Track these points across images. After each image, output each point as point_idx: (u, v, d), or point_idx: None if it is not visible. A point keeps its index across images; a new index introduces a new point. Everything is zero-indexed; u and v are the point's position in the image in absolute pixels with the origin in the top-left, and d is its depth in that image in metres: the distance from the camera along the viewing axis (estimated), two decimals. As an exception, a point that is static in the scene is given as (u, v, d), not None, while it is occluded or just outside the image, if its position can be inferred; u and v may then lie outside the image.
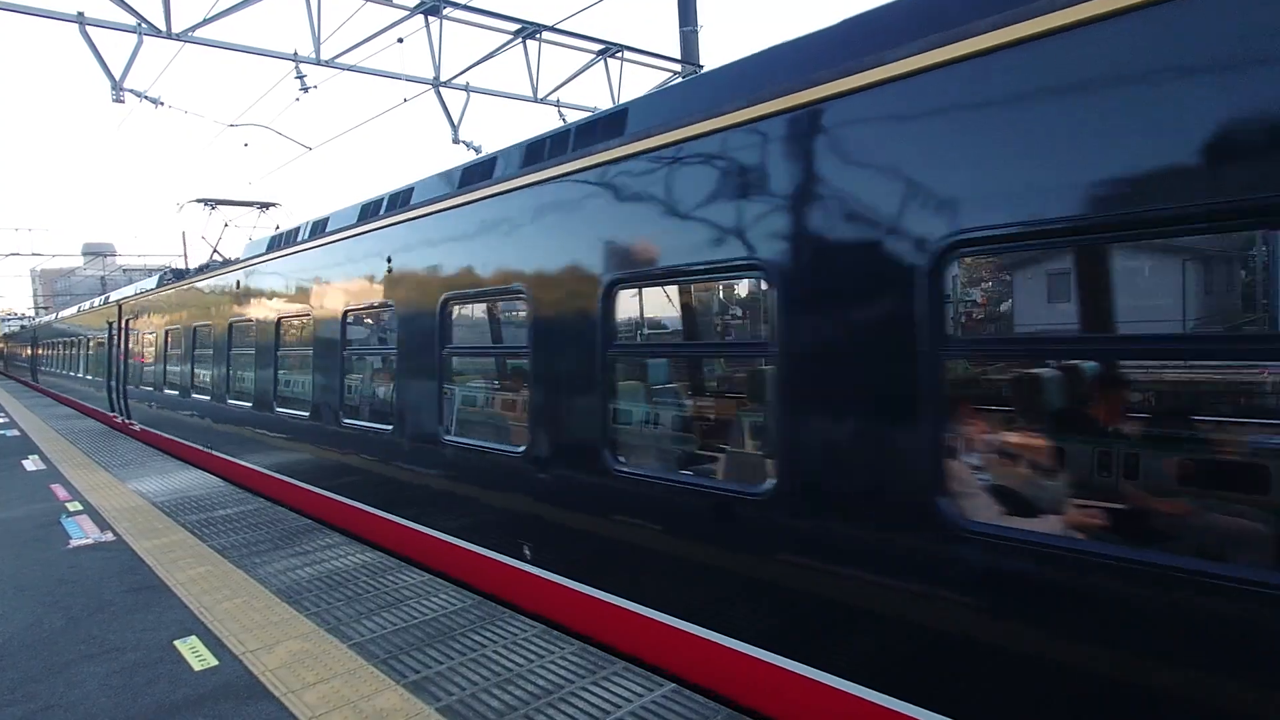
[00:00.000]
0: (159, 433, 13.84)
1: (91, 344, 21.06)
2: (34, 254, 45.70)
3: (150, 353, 14.53)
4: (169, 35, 9.99)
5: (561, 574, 4.63)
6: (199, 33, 10.25)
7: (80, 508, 8.34)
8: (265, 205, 14.57)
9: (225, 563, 6.09)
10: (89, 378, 21.10)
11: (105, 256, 57.59)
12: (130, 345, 16.17)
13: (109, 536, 7.05)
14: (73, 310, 27.77)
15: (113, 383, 17.48)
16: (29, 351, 39.06)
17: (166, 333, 13.30)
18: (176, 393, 12.59)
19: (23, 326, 54.40)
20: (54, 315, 34.20)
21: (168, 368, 13.27)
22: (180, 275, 14.01)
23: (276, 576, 5.70)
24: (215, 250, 13.90)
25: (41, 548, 6.74)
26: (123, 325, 16.65)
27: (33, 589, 5.63)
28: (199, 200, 13.98)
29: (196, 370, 11.76)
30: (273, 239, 9.56)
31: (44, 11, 9.53)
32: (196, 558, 6.26)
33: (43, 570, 6.08)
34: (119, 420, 17.09)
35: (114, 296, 19.23)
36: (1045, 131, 2.59)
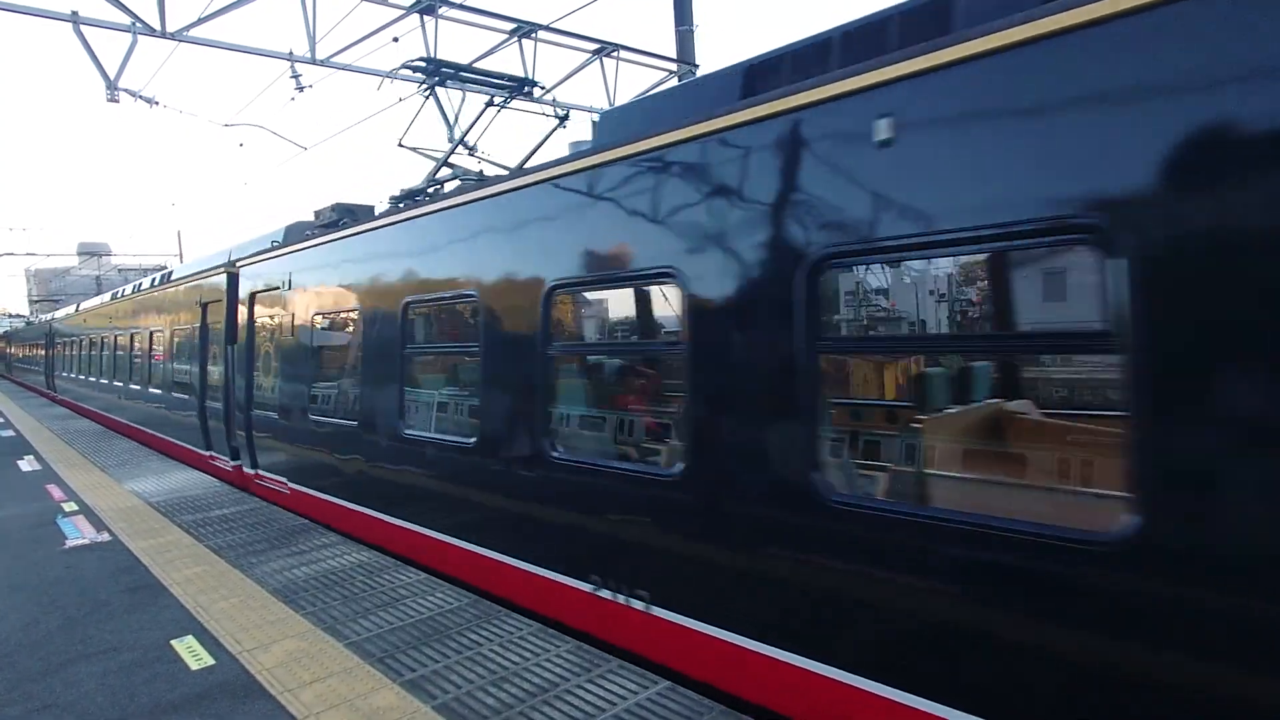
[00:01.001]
0: (358, 509, 6.96)
1: (159, 341, 13.58)
2: (28, 253, 45.61)
3: (332, 352, 7.94)
4: (163, 34, 9.97)
5: None
6: (194, 32, 10.23)
7: (76, 508, 8.34)
8: (521, 83, 8.23)
9: (221, 562, 6.10)
10: (154, 392, 13.60)
11: (100, 256, 57.45)
12: (264, 341, 9.13)
13: (105, 537, 7.05)
14: (105, 298, 20.02)
15: (211, 403, 10.66)
16: (44, 352, 30.23)
17: (407, 308, 6.32)
18: (470, 444, 5.54)
19: (29, 323, 46.25)
20: (76, 307, 25.26)
21: (410, 387, 6.56)
22: (354, 215, 8.18)
23: (273, 576, 5.71)
24: (461, 141, 8.08)
25: (37, 548, 6.75)
26: (247, 306, 9.59)
27: (29, 589, 5.64)
28: (422, 65, 7.74)
29: (572, 401, 5.84)
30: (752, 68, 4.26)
31: (38, 10, 9.51)
32: (193, 557, 6.27)
33: (39, 570, 6.09)
34: (227, 466, 10.06)
35: (215, 259, 11.55)
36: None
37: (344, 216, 8.42)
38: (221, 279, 10.36)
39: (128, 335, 15.99)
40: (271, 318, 9.04)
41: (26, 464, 11.68)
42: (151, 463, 11.39)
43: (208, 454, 10.91)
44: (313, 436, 7.79)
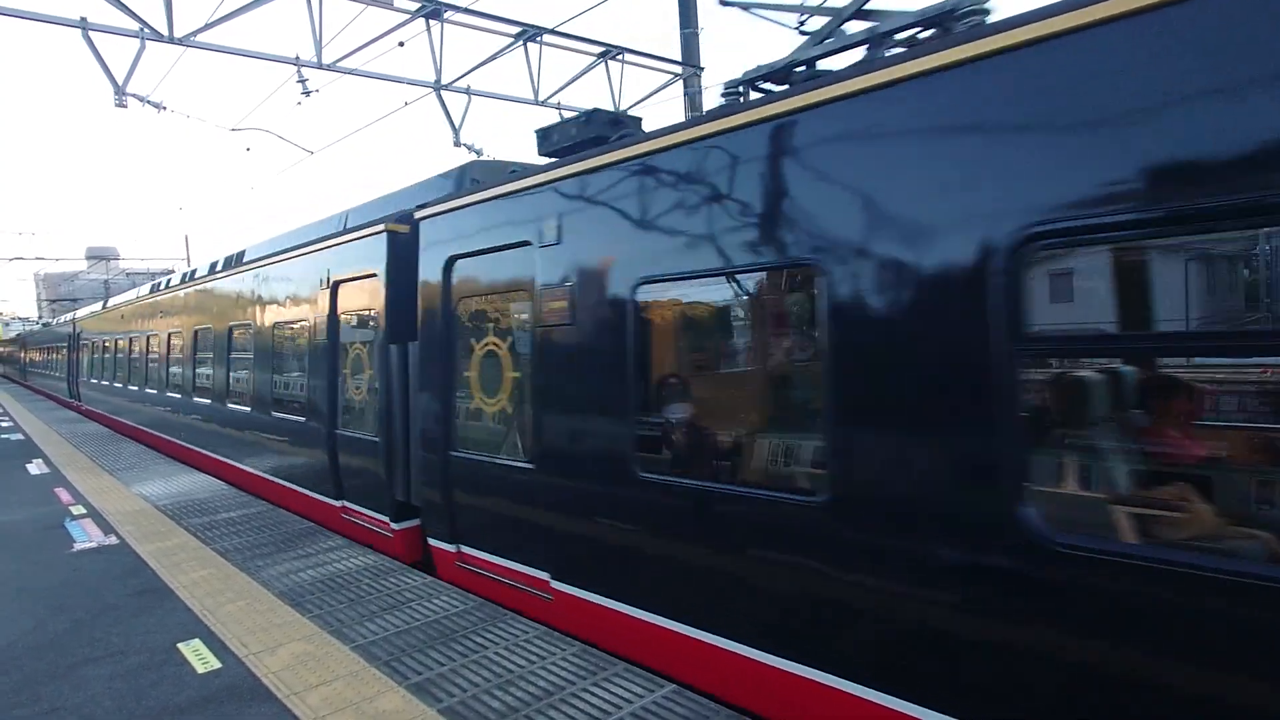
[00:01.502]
0: (817, 679, 3.49)
1: (244, 340, 10.07)
2: (37, 258, 45.55)
3: (717, 354, 4.77)
4: (171, 40, 10.03)
5: None
6: (201, 37, 10.29)
7: (84, 511, 8.37)
8: None
9: (228, 566, 6.11)
10: (237, 410, 10.12)
11: (109, 260, 57.83)
12: (484, 335, 5.89)
13: (113, 540, 7.07)
14: (142, 290, 16.15)
15: (348, 432, 7.40)
16: (66, 355, 26.21)
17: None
18: None
19: (45, 324, 41.90)
20: (104, 303, 21.26)
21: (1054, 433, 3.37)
22: None
23: (279, 579, 5.71)
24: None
25: (46, 551, 6.77)
26: (442, 279, 6.10)
27: (37, 592, 5.66)
28: None
29: None
30: None
31: (47, 17, 9.58)
32: (200, 561, 6.28)
33: (47, 573, 6.11)
34: (384, 531, 6.82)
35: (316, 229, 8.83)
36: None
37: (618, 130, 5.38)
38: (377, 244, 6.92)
39: (187, 333, 12.42)
40: (506, 296, 5.65)
41: (35, 467, 11.73)
42: (159, 466, 11.43)
43: (339, 505, 7.59)
44: (648, 512, 4.31)
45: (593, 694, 3.71)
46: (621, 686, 3.77)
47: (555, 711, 3.57)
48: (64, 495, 9.34)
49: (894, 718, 3.19)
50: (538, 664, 4.08)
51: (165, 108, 11.25)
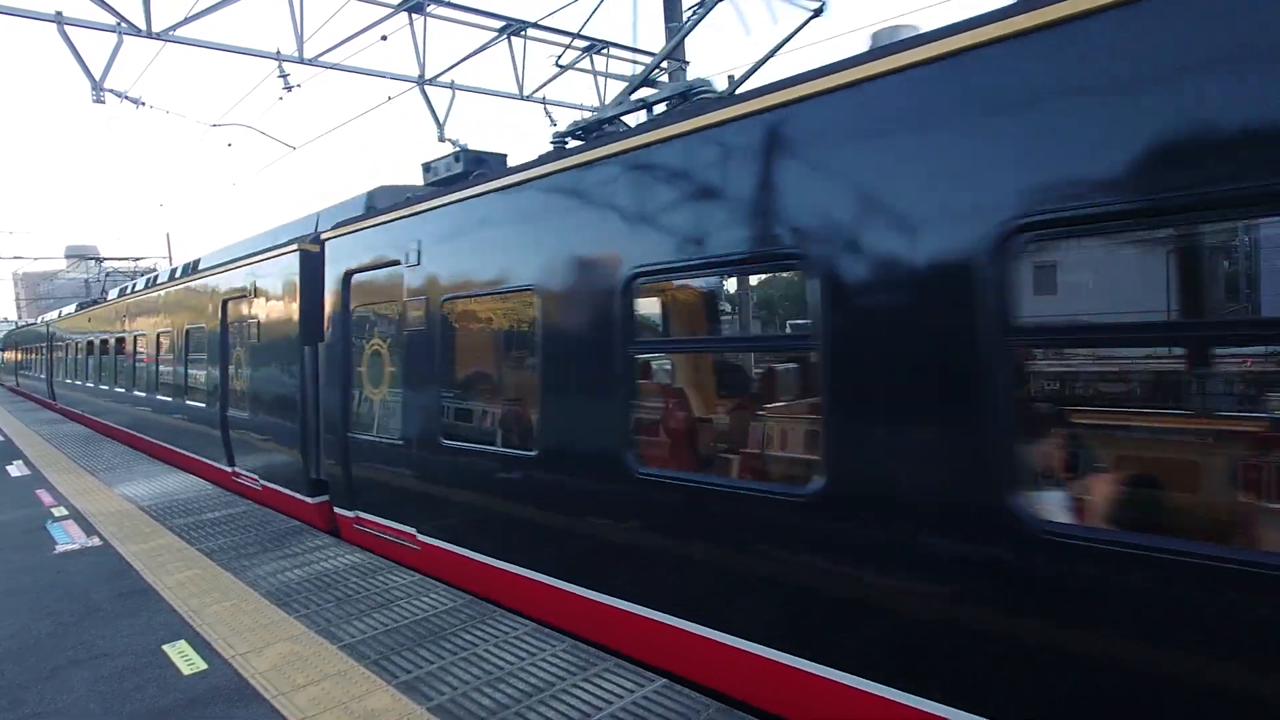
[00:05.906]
0: None
1: None
2: (16, 257, 44.98)
3: None
4: (149, 34, 9.88)
5: None
6: (180, 32, 10.14)
7: (66, 513, 8.27)
8: None
9: (214, 566, 6.06)
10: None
11: (89, 259, 57.13)
12: None
13: (96, 541, 6.99)
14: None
15: None
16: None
17: None
18: None
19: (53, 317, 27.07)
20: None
21: None
22: None
23: (266, 579, 5.67)
24: None
25: (28, 553, 6.68)
26: None
27: (19, 595, 5.58)
28: None
29: None
30: None
31: (21, 11, 9.40)
32: (185, 561, 6.22)
33: (29, 576, 6.03)
34: None
35: None
36: None
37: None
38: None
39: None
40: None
41: (15, 469, 11.57)
42: (141, 466, 11.31)
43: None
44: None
45: (582, 689, 3.72)
46: (611, 682, 3.78)
47: (545, 708, 3.57)
48: (45, 497, 9.22)
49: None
50: (527, 660, 4.08)
51: (144, 103, 11.09)
